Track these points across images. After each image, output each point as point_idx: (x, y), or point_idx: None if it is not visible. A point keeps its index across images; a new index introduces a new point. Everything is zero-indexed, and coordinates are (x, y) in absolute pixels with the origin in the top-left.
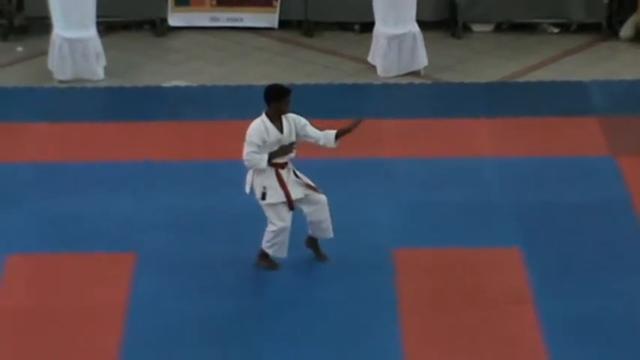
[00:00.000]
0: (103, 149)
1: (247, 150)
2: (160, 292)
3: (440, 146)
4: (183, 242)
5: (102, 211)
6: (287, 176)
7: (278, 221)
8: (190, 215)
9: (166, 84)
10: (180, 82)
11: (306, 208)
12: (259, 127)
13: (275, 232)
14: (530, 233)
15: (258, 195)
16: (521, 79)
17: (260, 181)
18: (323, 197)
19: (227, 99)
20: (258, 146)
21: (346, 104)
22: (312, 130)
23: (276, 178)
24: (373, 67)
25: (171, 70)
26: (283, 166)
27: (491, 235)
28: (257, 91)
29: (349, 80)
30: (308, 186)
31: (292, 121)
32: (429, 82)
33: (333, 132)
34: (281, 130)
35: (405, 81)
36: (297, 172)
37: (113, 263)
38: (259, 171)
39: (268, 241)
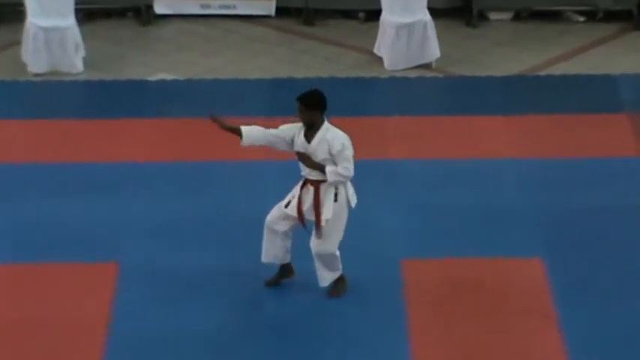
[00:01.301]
0: (81, 149)
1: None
2: (144, 306)
3: (453, 146)
4: (170, 251)
5: (81, 216)
6: (312, 196)
7: (274, 218)
8: (178, 221)
9: (152, 77)
10: (167, 76)
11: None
12: (297, 126)
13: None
14: (553, 242)
15: (286, 202)
16: (542, 73)
17: (294, 189)
18: (322, 248)
19: (218, 94)
20: (278, 132)
21: (350, 100)
22: (340, 165)
23: (300, 185)
24: (380, 60)
25: (158, 62)
26: (312, 183)
27: (510, 244)
28: (251, 85)
29: (353, 73)
30: (317, 221)
31: (328, 142)
32: (441, 75)
33: (328, 167)
34: (310, 140)
35: (414, 74)
36: (326, 202)
37: (94, 274)
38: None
39: None
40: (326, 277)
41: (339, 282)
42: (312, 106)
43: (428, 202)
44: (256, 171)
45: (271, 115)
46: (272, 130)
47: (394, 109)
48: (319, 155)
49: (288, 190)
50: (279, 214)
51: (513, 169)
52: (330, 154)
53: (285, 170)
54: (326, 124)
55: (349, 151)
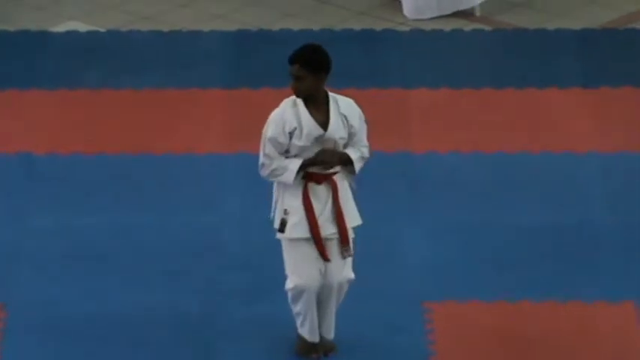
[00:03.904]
0: None
1: (260, 154)
2: None
3: (506, 134)
4: (79, 288)
5: None
6: (324, 200)
7: (294, 276)
8: (93, 244)
9: (56, 28)
10: (80, 25)
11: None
12: (278, 113)
13: (293, 295)
14: None
15: (276, 224)
16: (639, 25)
17: (282, 201)
18: (345, 275)
19: (156, 53)
20: (275, 146)
21: (353, 63)
22: (360, 140)
23: (302, 197)
24: (397, 3)
25: (65, 5)
26: (320, 179)
27: (591, 282)
28: (205, 40)
29: (358, 24)
30: (343, 233)
31: (346, 117)
32: (488, 28)
33: (349, 152)
34: (325, 124)
35: (449, 26)
36: (346, 202)
37: None
38: (284, 185)
39: (295, 312)
40: (334, 320)
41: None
42: (319, 67)
43: (469, 219)
44: (213, 168)
45: (234, 85)
46: (273, 156)
47: (419, 77)
48: (339, 141)
49: (263, 195)
50: (302, 261)
51: (597, 169)
52: (349, 132)
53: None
54: (331, 94)
55: (365, 124)
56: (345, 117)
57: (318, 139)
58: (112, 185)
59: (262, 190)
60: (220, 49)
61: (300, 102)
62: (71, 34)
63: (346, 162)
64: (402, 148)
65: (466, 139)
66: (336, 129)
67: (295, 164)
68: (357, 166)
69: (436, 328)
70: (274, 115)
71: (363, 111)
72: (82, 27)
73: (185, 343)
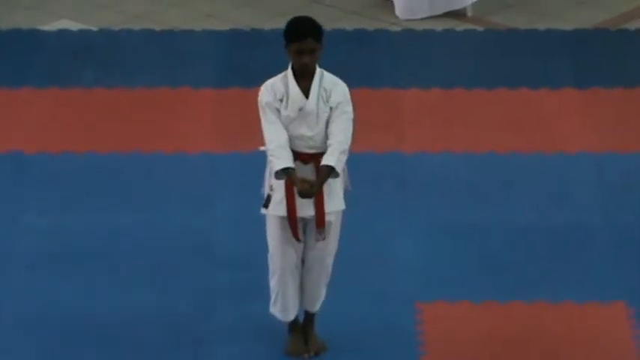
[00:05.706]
0: None
1: (263, 125)
2: None
3: (497, 135)
4: (72, 286)
5: None
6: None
7: (271, 252)
8: (84, 242)
9: (48, 26)
10: (72, 24)
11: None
12: (269, 82)
13: (271, 269)
14: None
15: (263, 198)
16: (631, 26)
17: (270, 177)
18: (322, 257)
19: (149, 53)
20: (273, 111)
21: (344, 63)
22: (337, 126)
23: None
24: (389, 3)
25: (57, 4)
26: (307, 159)
27: (583, 282)
28: (197, 39)
29: (349, 24)
30: (319, 216)
31: (326, 90)
32: (480, 28)
33: (327, 161)
34: (307, 93)
35: (440, 27)
36: (332, 185)
37: None
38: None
39: (270, 288)
40: (322, 294)
41: (313, 331)
42: (322, 34)
43: (460, 220)
44: (205, 168)
45: (227, 85)
46: (275, 121)
47: (410, 77)
48: (321, 115)
49: (255, 195)
50: (281, 239)
51: (588, 169)
52: (330, 107)
53: (251, 166)
54: (319, 69)
55: (351, 106)
56: (325, 90)
57: (302, 111)
58: (104, 184)
59: (254, 190)
60: (212, 49)
61: (289, 73)
62: (63, 33)
63: (329, 174)
64: (394, 148)
65: (457, 140)
66: (316, 100)
67: (284, 163)
68: (339, 166)
69: (427, 329)
70: (265, 84)
71: (354, 109)
72: (73, 26)
73: (178, 343)
